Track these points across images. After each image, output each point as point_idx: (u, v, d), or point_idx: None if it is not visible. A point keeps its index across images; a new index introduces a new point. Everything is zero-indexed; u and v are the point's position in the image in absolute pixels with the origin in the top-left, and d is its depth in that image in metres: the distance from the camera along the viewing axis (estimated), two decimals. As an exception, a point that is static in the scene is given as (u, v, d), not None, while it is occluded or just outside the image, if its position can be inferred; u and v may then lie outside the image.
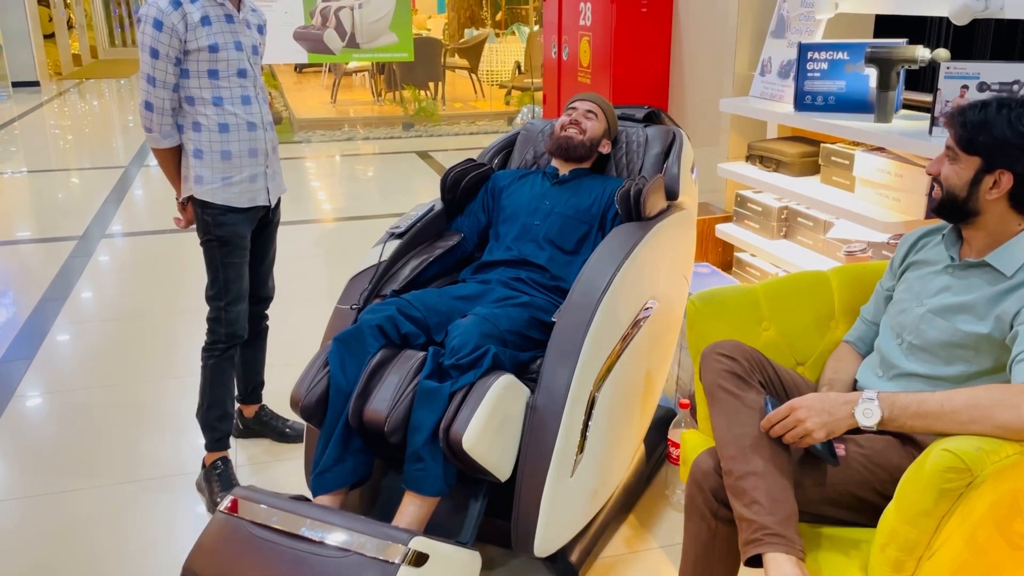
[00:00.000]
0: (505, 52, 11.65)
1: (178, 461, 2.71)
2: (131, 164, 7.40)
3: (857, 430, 1.55)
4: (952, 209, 1.62)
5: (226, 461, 2.51)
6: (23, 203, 6.15)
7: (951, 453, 1.33)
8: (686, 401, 2.43)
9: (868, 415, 1.46)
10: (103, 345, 3.60)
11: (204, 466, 2.52)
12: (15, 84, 12.76)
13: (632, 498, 2.43)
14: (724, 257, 3.46)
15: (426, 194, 6.42)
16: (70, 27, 17.04)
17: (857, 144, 2.75)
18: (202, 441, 2.56)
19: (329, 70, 11.97)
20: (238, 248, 2.44)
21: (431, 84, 10.17)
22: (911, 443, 1.62)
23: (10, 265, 4.68)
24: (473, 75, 10.94)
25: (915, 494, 1.37)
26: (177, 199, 2.48)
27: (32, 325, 3.81)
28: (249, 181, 2.43)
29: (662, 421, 2.61)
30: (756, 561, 1.48)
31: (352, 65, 11.04)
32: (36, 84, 13.03)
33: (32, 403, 3.11)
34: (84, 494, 2.54)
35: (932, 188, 1.67)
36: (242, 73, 2.37)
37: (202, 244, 2.44)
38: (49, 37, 14.89)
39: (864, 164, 2.59)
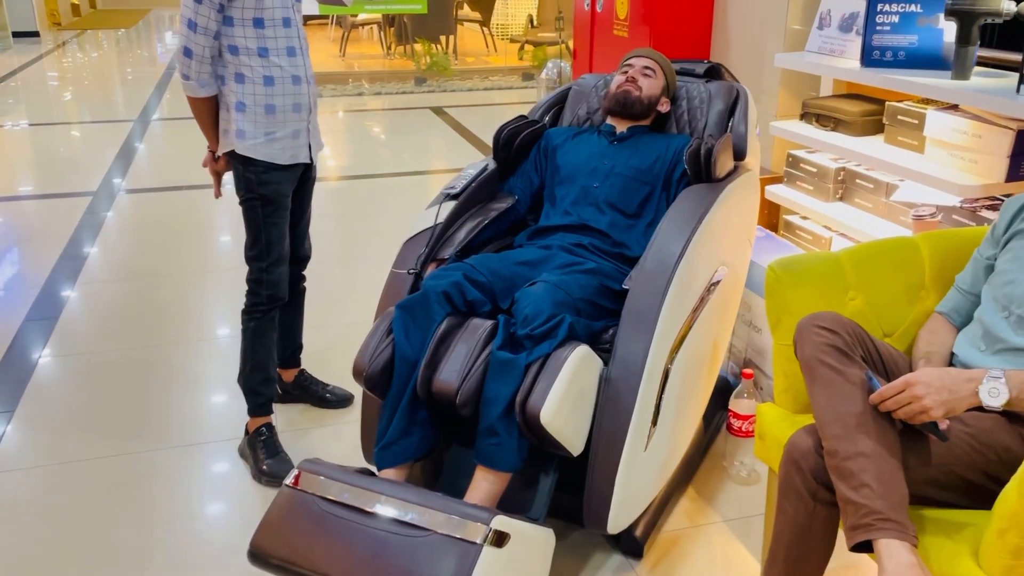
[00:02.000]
0: (517, 5, 11.37)
1: (217, 426, 2.63)
2: (138, 119, 7.22)
3: (965, 408, 1.46)
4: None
5: (270, 427, 2.43)
6: (28, 157, 6.01)
7: (1092, 438, 1.24)
8: (749, 371, 2.34)
9: (994, 395, 1.37)
10: (129, 304, 3.50)
11: (247, 432, 2.44)
12: (15, 34, 12.46)
13: (691, 470, 2.36)
14: (770, 219, 3.35)
15: (443, 150, 6.28)
16: (68, -25, 16.61)
17: (928, 102, 2.62)
18: (241, 405, 2.48)
19: (337, 23, 11.68)
20: (281, 207, 2.34)
21: (443, 38, 9.92)
22: (1019, 421, 1.54)
23: (22, 220, 4.56)
24: (485, 28, 10.68)
25: (1047, 480, 1.28)
26: (210, 151, 2.36)
27: (54, 284, 3.71)
28: (292, 137, 2.31)
29: (717, 390, 2.53)
30: (864, 546, 1.40)
31: (361, 17, 10.76)
32: (36, 35, 12.73)
33: (61, 365, 3.02)
34: (122, 460, 2.46)
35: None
36: (287, 22, 2.24)
37: (242, 203, 2.33)
38: (47, -14, 14.50)
39: (937, 124, 2.46)
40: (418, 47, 9.59)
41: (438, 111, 7.66)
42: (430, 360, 1.77)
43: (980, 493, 1.52)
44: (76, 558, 2.06)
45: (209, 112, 2.30)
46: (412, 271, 2.03)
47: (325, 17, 11.96)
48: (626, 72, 2.41)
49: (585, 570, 2.02)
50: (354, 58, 10.22)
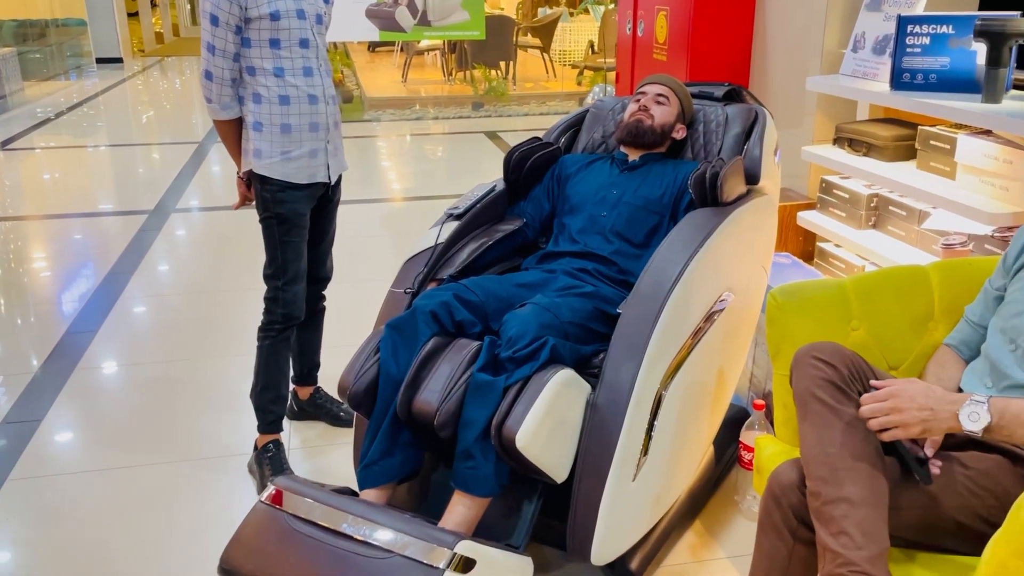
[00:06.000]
0: (578, 31, 11.41)
1: (235, 441, 2.67)
2: (206, 139, 7.49)
3: (963, 447, 1.37)
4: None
5: (278, 444, 2.45)
6: (101, 176, 6.27)
7: (1079, 484, 1.14)
8: (761, 402, 2.26)
9: (974, 419, 1.29)
10: (169, 320, 3.61)
11: (256, 448, 2.47)
12: (99, 60, 13.10)
13: (698, 503, 2.27)
14: (805, 247, 3.25)
15: (493, 174, 6.29)
16: (153, 5, 17.46)
17: (960, 127, 2.51)
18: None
19: (401, 49, 11.93)
20: (297, 226, 2.37)
21: (502, 63, 10.02)
22: (1022, 463, 1.43)
23: (81, 237, 4.75)
24: (545, 55, 10.75)
25: (1032, 527, 1.19)
26: (238, 174, 2.43)
27: (100, 297, 3.85)
28: (309, 156, 2.34)
29: (734, 420, 2.44)
30: (838, 593, 1.33)
31: (424, 44, 10.96)
32: (119, 61, 13.36)
33: (95, 375, 3.12)
34: (139, 471, 2.51)
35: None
36: (304, 43, 2.28)
37: (261, 221, 2.38)
38: (133, 15, 15.26)
39: (968, 149, 2.35)
40: (476, 72, 9.71)
41: (492, 135, 7.72)
42: (412, 380, 1.76)
43: (978, 539, 1.42)
44: (77, 565, 2.11)
45: (233, 134, 2.37)
46: (408, 291, 2.03)
47: (392, 44, 12.22)
48: (638, 100, 2.36)
49: (576, 602, 1.97)
50: (416, 83, 10.40)
